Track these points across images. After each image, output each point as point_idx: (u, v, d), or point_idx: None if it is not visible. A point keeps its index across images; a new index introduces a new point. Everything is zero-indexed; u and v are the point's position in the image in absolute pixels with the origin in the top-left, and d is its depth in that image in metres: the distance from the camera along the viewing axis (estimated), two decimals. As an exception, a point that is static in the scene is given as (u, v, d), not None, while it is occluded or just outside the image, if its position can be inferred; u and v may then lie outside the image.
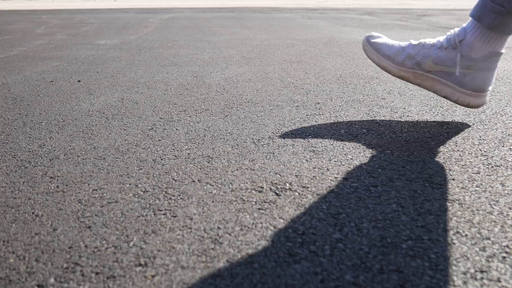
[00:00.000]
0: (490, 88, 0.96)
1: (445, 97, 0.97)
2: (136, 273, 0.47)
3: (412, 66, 0.97)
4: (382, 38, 1.03)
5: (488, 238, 0.53)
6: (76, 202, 0.63)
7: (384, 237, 0.53)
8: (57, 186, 0.68)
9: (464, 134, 0.91)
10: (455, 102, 0.97)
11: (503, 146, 0.83)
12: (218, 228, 0.55)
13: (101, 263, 0.49)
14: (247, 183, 0.68)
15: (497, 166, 0.75)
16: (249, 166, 0.75)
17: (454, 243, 0.52)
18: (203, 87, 1.38)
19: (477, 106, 0.97)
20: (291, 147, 0.84)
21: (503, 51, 0.93)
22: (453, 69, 0.94)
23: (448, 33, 0.96)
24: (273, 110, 1.11)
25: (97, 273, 0.47)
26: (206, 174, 0.72)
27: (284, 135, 0.91)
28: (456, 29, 0.95)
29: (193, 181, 0.69)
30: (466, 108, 1.10)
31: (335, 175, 0.71)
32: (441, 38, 0.97)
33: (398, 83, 1.41)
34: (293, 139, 0.88)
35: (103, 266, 0.48)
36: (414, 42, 0.99)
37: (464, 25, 0.95)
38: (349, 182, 0.69)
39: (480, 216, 0.58)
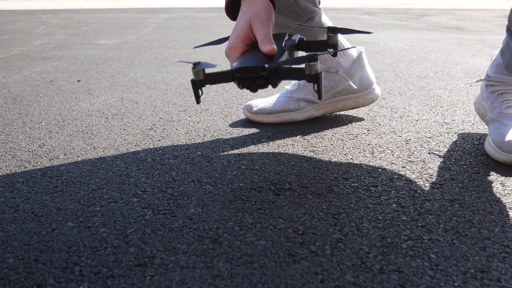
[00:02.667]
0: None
1: (351, 108, 1.03)
2: (135, 273, 0.47)
3: (307, 104, 1.00)
4: (258, 101, 1.02)
5: (488, 238, 0.53)
6: (75, 202, 0.63)
7: (384, 237, 0.53)
8: (57, 186, 0.68)
9: (464, 134, 0.91)
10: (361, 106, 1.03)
11: (503, 146, 0.83)
12: (218, 228, 0.55)
13: (100, 263, 0.48)
14: (247, 183, 0.68)
15: (497, 166, 0.75)
16: (249, 166, 0.75)
17: (454, 243, 0.52)
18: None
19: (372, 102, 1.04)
20: (291, 147, 0.84)
21: None
22: (341, 85, 1.00)
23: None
24: (273, 110, 1.10)
25: (96, 273, 0.47)
26: (206, 174, 0.72)
27: (284, 135, 0.91)
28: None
29: (193, 181, 0.69)
30: (466, 108, 1.10)
31: (335, 175, 0.71)
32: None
33: (398, 83, 1.41)
34: (293, 139, 0.88)
35: (102, 266, 0.48)
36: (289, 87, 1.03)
37: None
38: (349, 182, 0.68)
39: (480, 216, 0.58)
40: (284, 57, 0.66)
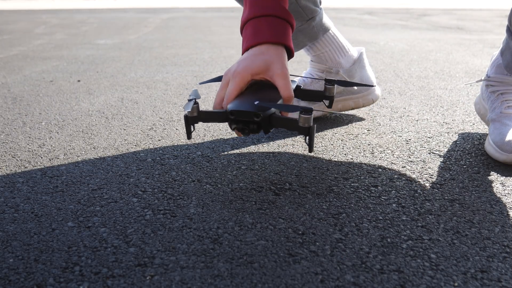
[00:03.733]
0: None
1: (351, 109, 1.03)
2: (135, 273, 0.47)
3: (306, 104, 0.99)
4: None
5: (488, 238, 0.53)
6: (75, 202, 0.63)
7: (384, 237, 0.53)
8: (57, 186, 0.68)
9: (464, 134, 0.91)
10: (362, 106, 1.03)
11: (503, 146, 0.83)
12: (218, 228, 0.55)
13: (100, 263, 0.48)
14: (247, 183, 0.68)
15: (497, 166, 0.75)
16: (249, 166, 0.75)
17: (454, 243, 0.52)
18: (203, 87, 1.38)
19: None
20: (291, 147, 0.84)
21: None
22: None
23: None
24: (273, 110, 1.10)
25: (96, 273, 0.47)
26: (206, 174, 0.72)
27: (284, 135, 0.91)
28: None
29: (193, 181, 0.69)
30: (466, 108, 1.10)
31: (335, 175, 0.71)
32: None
33: (398, 83, 1.41)
34: (293, 139, 0.88)
35: (102, 266, 0.48)
36: None
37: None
38: (349, 182, 0.68)
39: (480, 216, 0.58)
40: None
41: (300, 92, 0.76)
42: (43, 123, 1.01)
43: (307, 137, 0.61)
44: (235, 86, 0.65)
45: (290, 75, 0.70)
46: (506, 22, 0.84)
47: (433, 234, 0.54)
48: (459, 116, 1.03)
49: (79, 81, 1.49)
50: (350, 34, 3.06)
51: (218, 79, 0.73)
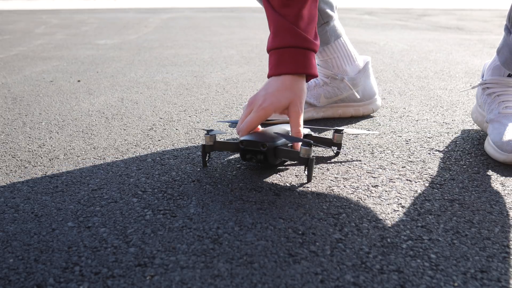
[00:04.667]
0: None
1: (350, 116, 1.04)
2: (135, 273, 0.47)
3: (307, 106, 1.00)
4: None
5: (488, 238, 0.53)
6: (75, 202, 0.63)
7: (384, 237, 0.53)
8: (57, 186, 0.68)
9: (464, 134, 0.91)
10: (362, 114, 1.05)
11: (503, 146, 0.83)
12: (218, 228, 0.55)
13: (100, 263, 0.48)
14: (247, 183, 0.68)
15: (497, 166, 0.75)
16: (249, 166, 0.75)
17: (454, 243, 0.52)
18: (203, 87, 1.38)
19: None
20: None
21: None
22: (344, 93, 1.01)
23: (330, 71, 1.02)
24: (273, 110, 1.10)
25: (96, 273, 0.47)
26: (206, 174, 0.72)
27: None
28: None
29: (193, 181, 0.69)
30: (466, 108, 1.10)
31: (335, 175, 0.71)
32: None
33: (398, 83, 1.41)
34: (293, 139, 0.88)
35: (102, 266, 0.48)
36: None
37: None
38: (349, 182, 0.68)
39: (480, 216, 0.58)
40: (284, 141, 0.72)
41: (310, 138, 0.79)
42: (43, 123, 1.01)
43: (306, 168, 0.68)
44: (257, 118, 0.70)
45: (304, 127, 0.79)
46: (505, 22, 0.84)
47: (433, 234, 0.54)
48: (459, 116, 1.03)
49: (79, 81, 1.49)
50: (350, 34, 3.05)
51: (235, 123, 0.81)
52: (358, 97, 1.01)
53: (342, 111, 1.03)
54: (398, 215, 0.58)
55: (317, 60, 1.01)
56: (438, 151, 0.82)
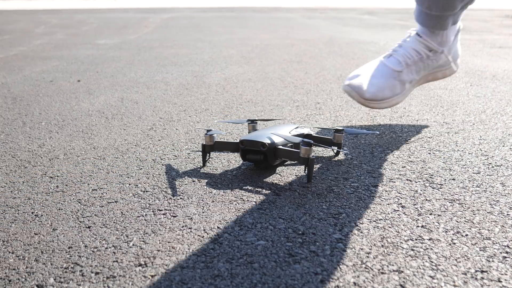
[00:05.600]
0: None
1: (437, 79, 1.04)
2: (136, 273, 0.47)
3: (409, 86, 0.97)
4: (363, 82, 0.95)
5: (489, 238, 0.53)
6: (75, 202, 0.63)
7: (384, 237, 0.53)
8: (57, 186, 0.68)
9: (464, 134, 0.91)
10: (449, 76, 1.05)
11: (503, 146, 0.83)
12: (218, 228, 0.55)
13: (101, 263, 0.48)
14: (247, 183, 0.68)
15: (498, 166, 0.75)
16: (249, 166, 0.75)
17: (454, 243, 0.52)
18: (203, 87, 1.38)
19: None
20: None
21: None
22: (440, 61, 1.00)
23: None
24: (273, 110, 1.11)
25: (96, 273, 0.47)
26: (206, 174, 0.72)
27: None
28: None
29: (193, 181, 0.69)
30: (466, 108, 1.10)
31: (335, 175, 0.71)
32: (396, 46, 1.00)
33: (398, 83, 1.41)
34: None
35: (103, 266, 0.48)
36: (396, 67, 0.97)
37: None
38: (349, 182, 0.68)
39: (481, 216, 0.58)
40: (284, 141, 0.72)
41: (310, 138, 0.79)
42: (43, 123, 1.01)
43: (306, 168, 0.68)
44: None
45: (304, 126, 0.80)
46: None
47: (433, 234, 0.54)
48: (459, 116, 1.03)
49: (79, 81, 1.49)
50: (350, 34, 3.06)
51: (235, 121, 0.82)
52: (451, 61, 1.01)
53: (433, 76, 1.02)
54: (398, 215, 0.58)
55: (421, 30, 0.99)
56: (438, 151, 0.82)
